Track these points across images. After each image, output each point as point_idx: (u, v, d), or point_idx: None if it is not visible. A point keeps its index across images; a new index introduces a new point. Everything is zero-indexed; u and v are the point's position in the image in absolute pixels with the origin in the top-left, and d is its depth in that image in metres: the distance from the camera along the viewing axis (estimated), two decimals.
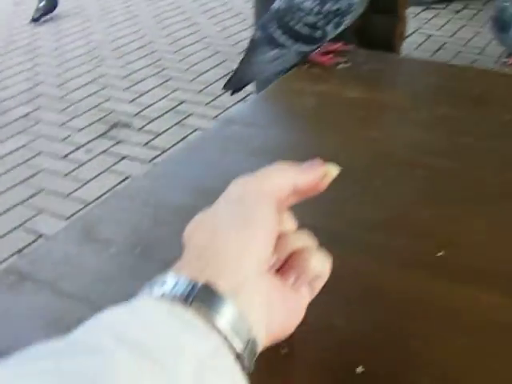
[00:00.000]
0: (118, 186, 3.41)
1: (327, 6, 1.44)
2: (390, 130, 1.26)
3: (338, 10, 1.44)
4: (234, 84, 1.53)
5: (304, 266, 0.62)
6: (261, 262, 0.57)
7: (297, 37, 1.45)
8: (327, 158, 0.68)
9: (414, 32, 5.42)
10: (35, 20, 6.25)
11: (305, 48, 1.46)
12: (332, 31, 1.46)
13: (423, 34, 5.46)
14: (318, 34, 1.45)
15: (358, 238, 0.93)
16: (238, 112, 1.46)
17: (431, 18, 5.84)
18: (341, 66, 1.47)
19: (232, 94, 1.58)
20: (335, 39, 1.50)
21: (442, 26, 5.66)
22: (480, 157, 1.16)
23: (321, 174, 0.65)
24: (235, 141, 1.20)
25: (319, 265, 0.64)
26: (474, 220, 0.98)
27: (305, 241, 0.64)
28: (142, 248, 0.93)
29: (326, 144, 1.19)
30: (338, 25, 1.45)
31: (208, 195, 1.09)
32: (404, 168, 1.11)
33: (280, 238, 0.61)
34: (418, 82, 1.46)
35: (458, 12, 6.00)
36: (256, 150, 1.18)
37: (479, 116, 1.28)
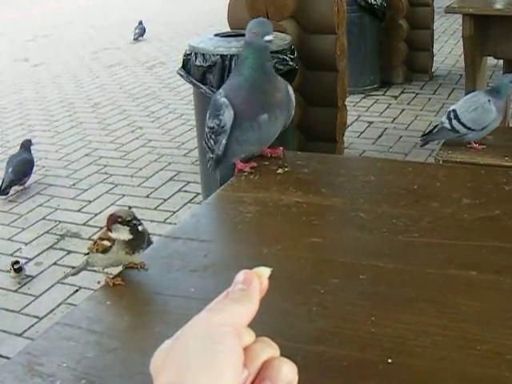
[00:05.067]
0: (68, 299, 3.35)
1: None
2: (332, 234, 1.26)
3: None
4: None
5: (276, 375, 0.61)
6: None
7: None
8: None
9: (355, 120, 5.52)
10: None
11: None
12: None
13: (364, 121, 5.56)
14: None
15: (305, 352, 0.92)
16: (180, 227, 1.45)
17: (371, 105, 5.97)
18: (280, 170, 1.48)
19: None
20: (277, 138, 1.54)
21: (382, 112, 5.78)
22: (422, 254, 1.17)
23: (258, 285, 0.64)
24: (178, 257, 1.19)
25: (290, 371, 0.63)
26: (424, 320, 0.98)
27: (270, 350, 0.63)
28: (87, 381, 0.91)
29: (267, 255, 1.19)
30: None
31: (155, 318, 1.09)
32: (347, 274, 1.11)
33: (246, 351, 0.60)
34: (357, 181, 1.47)
35: (396, 97, 6.15)
36: (198, 266, 1.17)
37: (419, 212, 1.30)
